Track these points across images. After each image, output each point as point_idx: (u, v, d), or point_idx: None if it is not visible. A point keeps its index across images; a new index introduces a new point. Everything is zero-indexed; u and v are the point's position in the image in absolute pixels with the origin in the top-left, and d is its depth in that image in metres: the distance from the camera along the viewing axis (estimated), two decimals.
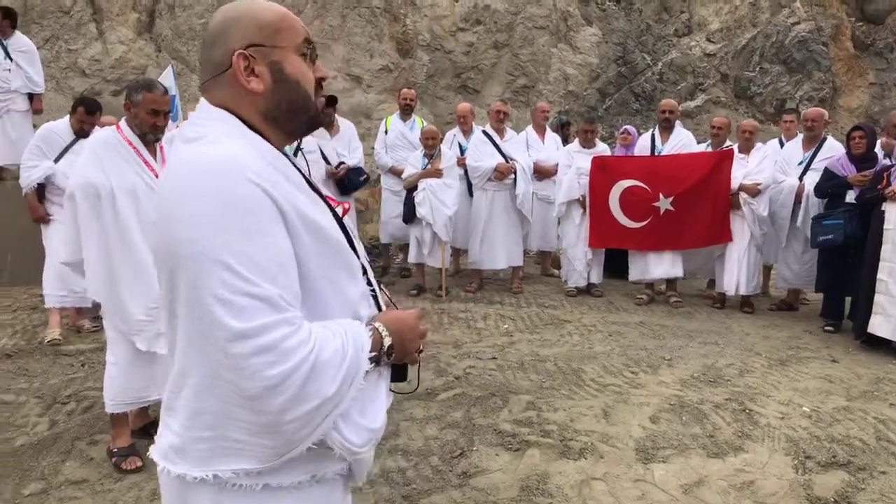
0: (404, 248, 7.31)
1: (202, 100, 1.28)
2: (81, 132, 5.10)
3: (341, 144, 6.44)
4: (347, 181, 6.21)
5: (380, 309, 1.36)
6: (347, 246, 1.27)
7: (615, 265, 7.04)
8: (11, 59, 6.78)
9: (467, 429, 3.77)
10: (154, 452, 1.27)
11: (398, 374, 1.35)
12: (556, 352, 5.09)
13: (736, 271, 6.29)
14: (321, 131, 6.35)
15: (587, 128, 6.73)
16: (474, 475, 3.30)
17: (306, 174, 1.31)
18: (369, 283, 1.35)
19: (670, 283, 6.71)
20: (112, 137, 3.24)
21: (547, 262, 7.80)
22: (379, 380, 1.28)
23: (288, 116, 1.28)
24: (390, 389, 1.35)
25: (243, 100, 1.24)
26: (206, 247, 1.07)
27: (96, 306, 3.80)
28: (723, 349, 5.25)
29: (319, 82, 1.32)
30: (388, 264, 7.64)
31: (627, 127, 7.77)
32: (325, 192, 1.34)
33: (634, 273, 6.67)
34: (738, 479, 3.26)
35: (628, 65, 13.31)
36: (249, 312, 1.05)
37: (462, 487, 3.20)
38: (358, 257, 1.32)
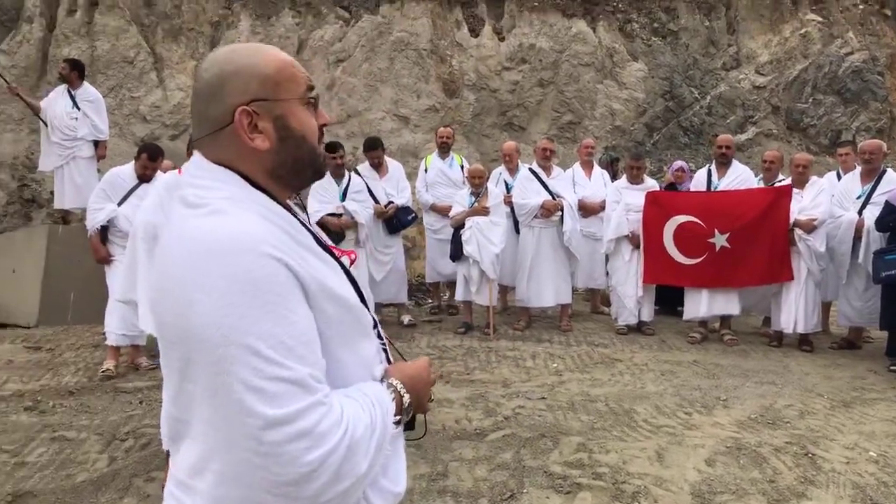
0: (451, 285, 7.33)
1: (197, 155, 1.20)
2: (144, 177, 5.33)
3: (390, 184, 6.57)
4: (396, 220, 6.32)
5: (388, 360, 1.32)
6: (361, 305, 1.22)
7: (666, 301, 6.92)
8: (79, 109, 7.16)
9: (517, 470, 3.72)
10: None
11: (408, 423, 1.32)
12: (607, 391, 5.01)
13: (794, 308, 6.11)
14: (370, 171, 6.49)
15: (634, 164, 6.69)
16: None
17: (306, 223, 1.25)
18: (379, 336, 1.31)
19: (724, 320, 6.55)
20: (174, 181, 3.38)
21: (596, 300, 7.72)
22: (397, 438, 1.25)
23: (294, 173, 1.21)
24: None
25: (246, 158, 1.17)
26: (231, 331, 1.00)
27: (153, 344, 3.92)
28: (781, 389, 5.08)
29: (321, 129, 1.26)
30: (438, 303, 7.67)
31: (681, 164, 7.67)
32: (327, 240, 1.29)
33: (689, 311, 6.53)
34: None
35: (676, 99, 13.23)
36: (282, 398, 1.00)
37: None
38: (368, 310, 1.26)
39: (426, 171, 7.32)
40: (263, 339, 1.00)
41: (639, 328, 6.70)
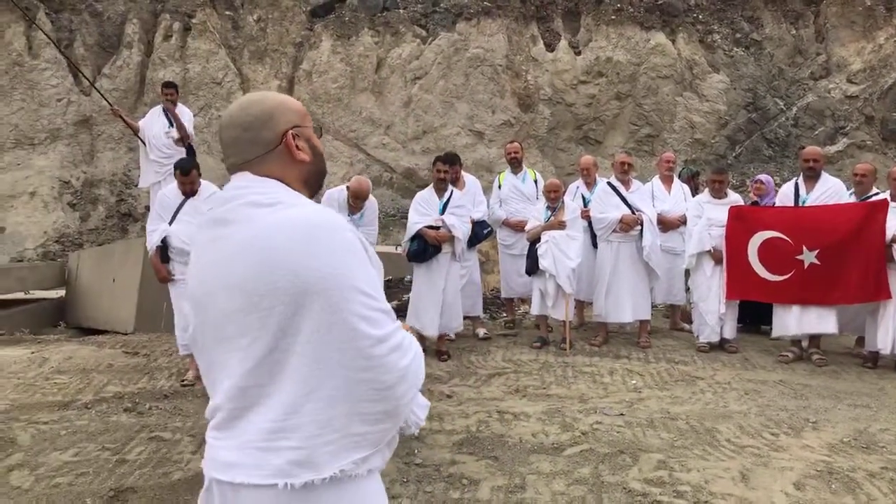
0: (528, 300, 7.32)
1: (246, 173, 1.53)
2: (186, 192, 5.44)
3: (467, 199, 6.63)
4: (473, 234, 6.36)
5: None
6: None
7: (750, 319, 6.69)
8: (172, 125, 7.58)
9: (595, 485, 3.69)
10: (260, 476, 1.38)
11: None
12: (687, 409, 4.89)
13: (892, 328, 5.78)
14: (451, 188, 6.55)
15: (717, 178, 6.52)
16: None
17: None
18: None
19: (813, 339, 6.26)
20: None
21: (676, 317, 7.53)
22: None
23: (317, 179, 1.62)
24: None
25: (291, 170, 1.55)
26: (345, 278, 1.37)
27: None
28: (876, 413, 4.84)
29: None
30: (513, 317, 7.67)
31: (760, 176, 7.44)
32: None
33: (778, 327, 6.25)
34: None
35: (759, 111, 12.83)
36: (381, 322, 1.39)
37: None
38: None
39: (500, 187, 7.36)
40: (365, 283, 1.40)
41: (721, 346, 6.50)
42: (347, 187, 5.96)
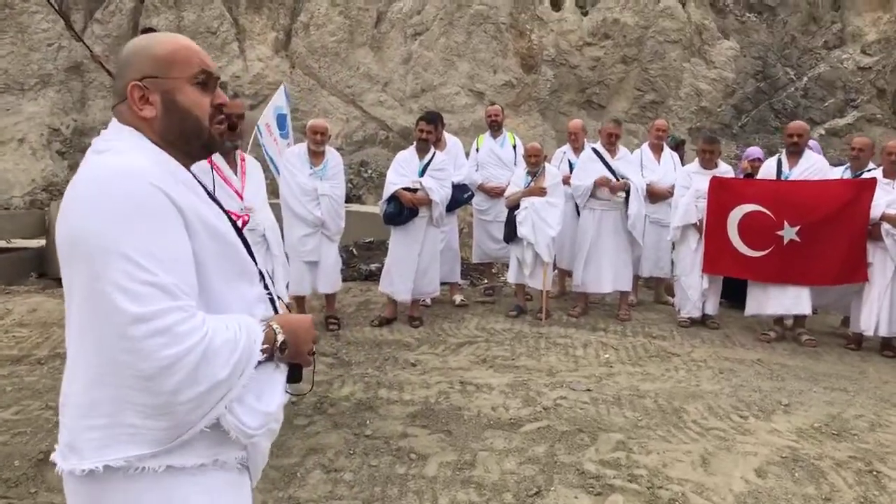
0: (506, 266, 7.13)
1: (113, 119, 1.42)
2: None
3: (449, 161, 6.38)
4: (452, 198, 6.14)
5: (276, 312, 1.50)
6: (245, 251, 1.42)
7: (735, 295, 6.49)
8: None
9: (548, 465, 3.55)
10: (55, 455, 1.33)
11: (293, 375, 1.46)
12: (657, 387, 4.73)
13: (876, 309, 5.59)
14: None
15: (707, 147, 6.24)
16: None
17: (210, 190, 1.45)
18: (266, 289, 1.49)
19: (798, 319, 6.06)
20: None
21: (660, 289, 7.35)
22: (275, 372, 1.40)
23: (182, 140, 1.41)
24: (286, 391, 1.45)
25: (141, 123, 1.38)
26: (109, 240, 1.18)
27: None
28: (853, 397, 4.67)
29: (219, 108, 1.44)
30: (492, 284, 7.48)
31: (758, 152, 7.09)
32: (227, 206, 1.49)
33: (751, 307, 6.07)
34: None
35: (768, 80, 12.43)
36: (146, 299, 1.17)
37: None
38: (256, 264, 1.46)
39: (477, 150, 7.11)
40: (136, 250, 1.19)
41: (703, 321, 6.32)
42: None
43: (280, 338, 1.38)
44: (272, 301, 1.50)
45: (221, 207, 1.44)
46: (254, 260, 1.46)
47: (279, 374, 1.42)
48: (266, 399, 1.36)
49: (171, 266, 1.21)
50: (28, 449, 3.52)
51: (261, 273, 1.48)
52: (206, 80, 1.41)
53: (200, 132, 1.41)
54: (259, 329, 1.34)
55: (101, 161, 1.29)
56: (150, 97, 1.37)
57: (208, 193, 1.43)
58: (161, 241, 1.22)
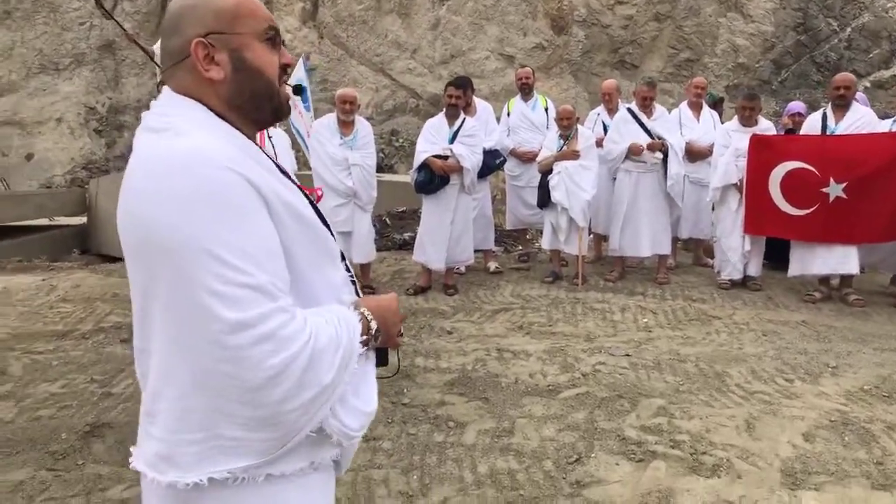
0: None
1: (165, 88, 1.24)
2: None
3: (479, 127, 6.28)
4: (484, 164, 6.05)
5: (358, 295, 1.37)
6: (327, 231, 1.27)
7: (777, 256, 6.30)
8: None
9: (588, 432, 3.51)
10: (138, 462, 1.22)
11: (380, 358, 1.36)
12: (698, 351, 4.64)
13: None
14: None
15: (746, 104, 6.01)
16: (589, 485, 3.05)
17: (275, 160, 1.28)
18: (347, 270, 1.35)
19: (844, 279, 5.87)
20: None
21: (699, 251, 7.19)
22: (367, 363, 1.29)
23: (252, 105, 1.24)
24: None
25: (205, 88, 1.21)
26: (193, 238, 1.04)
27: None
28: None
29: (284, 69, 1.29)
30: (527, 251, 7.40)
31: (799, 106, 6.82)
32: (294, 180, 1.31)
33: (795, 267, 5.87)
34: None
35: (809, 32, 11.93)
36: (245, 303, 1.04)
37: (574, 498, 2.96)
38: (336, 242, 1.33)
39: (508, 115, 6.97)
40: (225, 246, 1.04)
41: (744, 283, 6.16)
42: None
43: (374, 325, 1.28)
44: (353, 282, 1.37)
45: (293, 181, 1.27)
46: (334, 238, 1.31)
47: (370, 363, 1.31)
48: (364, 396, 1.26)
49: (266, 262, 1.08)
50: (74, 422, 3.60)
51: (341, 253, 1.34)
52: (275, 37, 1.26)
53: (272, 95, 1.25)
54: (356, 320, 1.23)
55: (165, 144, 1.12)
56: (216, 56, 1.19)
57: (278, 167, 1.26)
58: (251, 235, 1.07)
